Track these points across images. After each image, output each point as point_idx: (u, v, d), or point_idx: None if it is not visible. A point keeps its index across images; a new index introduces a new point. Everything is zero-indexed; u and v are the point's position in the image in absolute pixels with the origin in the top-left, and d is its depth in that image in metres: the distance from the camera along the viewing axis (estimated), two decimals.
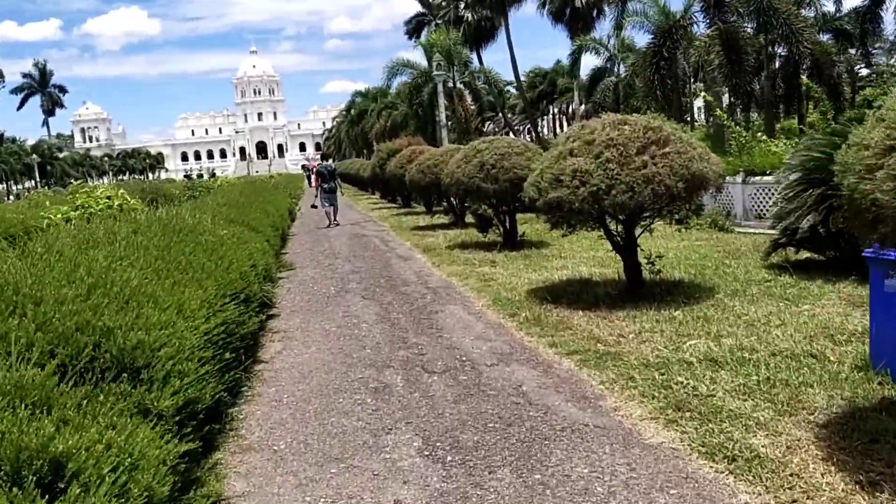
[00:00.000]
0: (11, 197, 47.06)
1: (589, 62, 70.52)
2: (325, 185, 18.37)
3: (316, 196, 19.07)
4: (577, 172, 6.56)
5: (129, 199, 12.55)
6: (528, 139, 46.55)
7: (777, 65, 24.63)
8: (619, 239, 7.35)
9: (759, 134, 13.67)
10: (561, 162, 6.78)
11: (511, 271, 9.36)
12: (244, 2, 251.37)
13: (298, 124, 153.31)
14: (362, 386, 5.04)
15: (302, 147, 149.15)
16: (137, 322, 3.17)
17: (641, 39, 35.85)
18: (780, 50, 22.78)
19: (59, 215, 11.75)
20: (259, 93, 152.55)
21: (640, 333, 5.79)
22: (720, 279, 7.67)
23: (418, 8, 63.97)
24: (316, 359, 5.88)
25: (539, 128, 66.94)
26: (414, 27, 61.93)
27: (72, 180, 72.84)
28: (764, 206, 12.02)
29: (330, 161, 23.35)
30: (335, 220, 18.52)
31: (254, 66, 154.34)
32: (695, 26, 19.50)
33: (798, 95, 24.15)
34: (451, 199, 16.01)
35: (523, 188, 7.31)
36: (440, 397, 4.67)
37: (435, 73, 24.85)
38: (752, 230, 11.61)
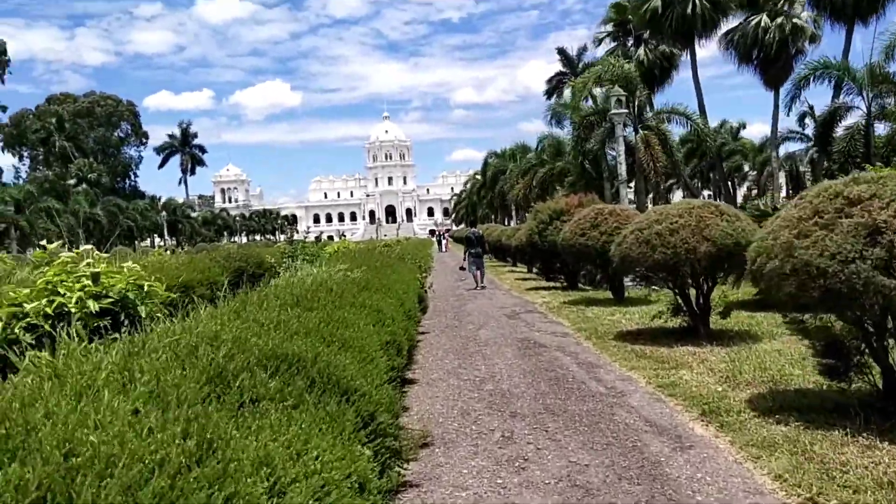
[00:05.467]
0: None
1: (755, 131, 61.74)
2: (473, 251, 19.28)
3: (464, 259, 20.21)
4: None
5: (144, 279, 6.98)
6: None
7: None
8: None
9: None
10: None
11: None
12: (376, 75, 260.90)
13: (427, 189, 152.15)
14: None
15: (430, 212, 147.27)
16: None
17: None
18: None
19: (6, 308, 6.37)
20: (390, 157, 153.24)
21: None
22: None
23: (558, 67, 59.05)
24: None
25: (696, 191, 58.99)
26: (554, 86, 56.95)
27: (201, 239, 71.96)
28: None
29: (477, 228, 23.49)
30: (482, 282, 19.07)
31: (386, 132, 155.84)
32: None
33: None
34: (684, 288, 9.49)
35: None
36: None
37: (613, 111, 18.60)
38: None
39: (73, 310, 6.54)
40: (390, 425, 4.04)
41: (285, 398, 3.03)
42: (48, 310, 6.50)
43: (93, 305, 6.60)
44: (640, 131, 22.36)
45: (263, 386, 3.05)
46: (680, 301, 9.59)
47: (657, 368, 7.53)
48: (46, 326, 6.38)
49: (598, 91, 24.99)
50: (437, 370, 8.20)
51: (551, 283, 19.46)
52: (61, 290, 6.64)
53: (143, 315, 6.64)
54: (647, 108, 28.24)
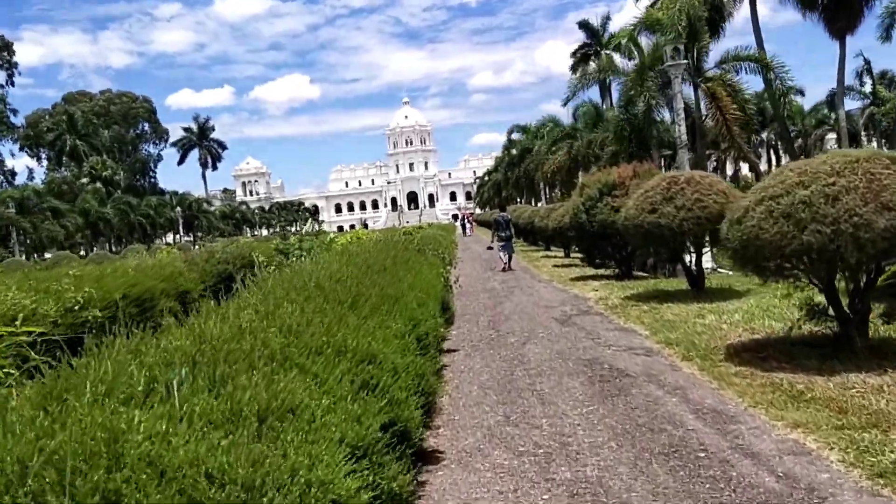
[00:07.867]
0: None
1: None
2: (502, 234, 19.08)
3: (492, 240, 20.44)
4: None
5: None
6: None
7: None
8: None
9: None
10: None
11: None
12: (395, 63, 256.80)
13: (449, 174, 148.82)
14: None
15: (452, 196, 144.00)
16: None
17: None
18: None
19: None
20: (411, 143, 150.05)
21: None
22: None
23: (583, 39, 55.18)
24: None
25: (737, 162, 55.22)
26: (579, 59, 53.49)
27: (219, 234, 69.75)
28: None
29: (506, 211, 22.73)
30: (510, 265, 18.77)
31: (406, 117, 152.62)
32: None
33: None
34: (832, 282, 6.43)
35: None
36: None
37: (669, 63, 15.39)
38: None
39: None
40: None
41: None
42: None
43: None
44: (702, 85, 18.97)
45: None
46: (824, 300, 6.53)
47: (842, 426, 4.51)
48: None
49: (643, 42, 21.92)
50: (471, 428, 5.27)
51: (599, 271, 16.39)
52: None
53: None
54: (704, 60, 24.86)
